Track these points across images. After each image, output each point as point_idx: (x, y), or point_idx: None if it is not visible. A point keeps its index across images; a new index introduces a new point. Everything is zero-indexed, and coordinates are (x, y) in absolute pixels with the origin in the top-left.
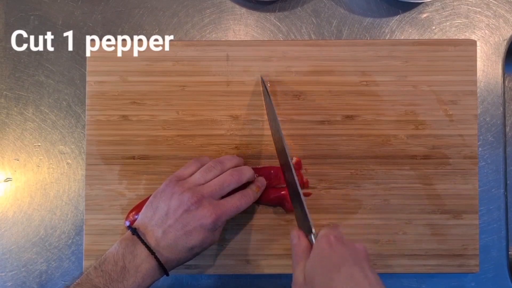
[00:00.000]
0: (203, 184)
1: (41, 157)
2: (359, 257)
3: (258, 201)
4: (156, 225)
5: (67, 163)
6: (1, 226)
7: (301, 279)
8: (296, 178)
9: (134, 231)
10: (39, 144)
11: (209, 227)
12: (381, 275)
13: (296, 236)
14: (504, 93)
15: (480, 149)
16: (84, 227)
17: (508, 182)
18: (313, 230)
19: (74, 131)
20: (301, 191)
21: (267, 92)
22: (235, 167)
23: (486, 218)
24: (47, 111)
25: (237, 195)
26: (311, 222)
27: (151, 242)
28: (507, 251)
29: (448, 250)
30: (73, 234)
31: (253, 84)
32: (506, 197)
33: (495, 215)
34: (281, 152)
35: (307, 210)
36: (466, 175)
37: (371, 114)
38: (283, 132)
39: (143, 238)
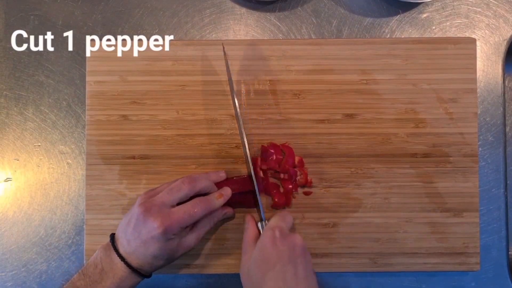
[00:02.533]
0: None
1: (41, 157)
2: (295, 254)
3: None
4: (123, 233)
5: (67, 163)
6: (1, 226)
7: (246, 270)
8: (249, 159)
9: (111, 238)
10: (39, 144)
11: (160, 238)
12: (382, 274)
13: (247, 222)
14: (504, 93)
15: (480, 149)
16: (84, 227)
17: (508, 182)
18: (263, 218)
19: (74, 131)
20: (253, 174)
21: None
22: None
23: (486, 218)
24: (47, 111)
25: (192, 202)
26: (262, 210)
27: (121, 248)
28: (507, 251)
29: (449, 248)
30: (73, 234)
31: (253, 84)
32: (506, 197)
33: (495, 215)
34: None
35: (259, 197)
36: (466, 173)
37: (371, 113)
38: (284, 132)
39: (115, 245)
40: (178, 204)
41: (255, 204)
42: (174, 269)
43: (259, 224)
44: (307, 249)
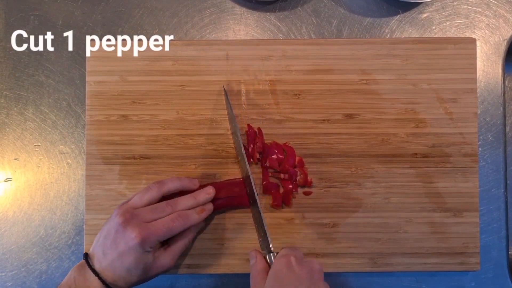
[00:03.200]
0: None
1: (41, 157)
2: (314, 278)
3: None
4: (99, 247)
5: (67, 163)
6: (1, 226)
7: None
8: (257, 197)
9: (84, 256)
10: (39, 144)
11: (137, 249)
12: (382, 274)
13: (254, 256)
14: (504, 93)
15: (480, 149)
16: (84, 227)
17: (508, 182)
18: (272, 250)
19: (74, 131)
20: (261, 209)
21: (229, 103)
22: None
23: (486, 218)
24: (47, 111)
25: (171, 215)
26: (270, 242)
27: (96, 264)
28: (507, 251)
29: (449, 248)
30: (73, 234)
31: (253, 84)
32: (506, 197)
33: (495, 215)
34: (243, 168)
35: (266, 229)
36: (466, 173)
37: (371, 113)
38: (283, 132)
39: (89, 262)
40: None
41: (252, 205)
42: (174, 270)
43: (267, 257)
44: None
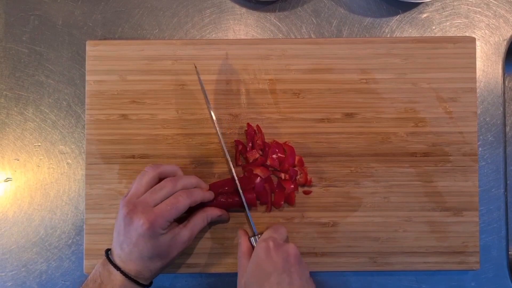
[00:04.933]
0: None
1: (41, 157)
2: (289, 263)
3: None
4: (117, 243)
5: (67, 163)
6: (1, 226)
7: (242, 284)
8: (236, 179)
9: (106, 252)
10: (39, 144)
11: (149, 234)
12: (382, 272)
13: (240, 237)
14: (504, 93)
15: (480, 149)
16: (84, 226)
17: (508, 182)
18: (256, 233)
19: (74, 131)
20: (243, 195)
21: (201, 82)
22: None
23: (486, 218)
24: (47, 111)
25: (175, 194)
26: (253, 225)
27: (116, 259)
28: (507, 251)
29: (449, 248)
30: (73, 234)
31: (253, 83)
32: (506, 197)
33: (495, 215)
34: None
35: (249, 214)
36: (466, 172)
37: (370, 112)
38: (283, 131)
39: (110, 257)
40: None
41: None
42: (174, 269)
43: (252, 239)
44: (305, 246)
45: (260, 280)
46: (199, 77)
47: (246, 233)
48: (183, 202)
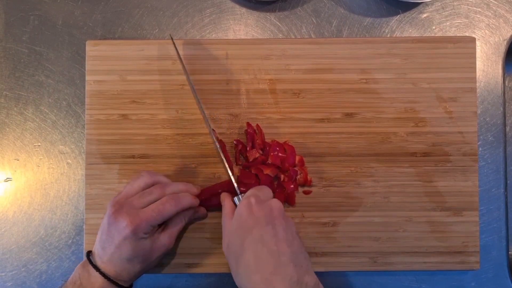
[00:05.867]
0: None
1: (41, 157)
2: (273, 216)
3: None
4: (98, 243)
5: (67, 163)
6: (1, 226)
7: (226, 244)
8: (216, 141)
9: (87, 253)
10: (39, 144)
11: (130, 236)
12: (382, 273)
13: (223, 199)
14: (504, 93)
15: (480, 149)
16: (84, 226)
17: (508, 182)
18: (238, 192)
19: (74, 131)
20: (224, 156)
21: (179, 55)
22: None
23: (486, 218)
24: (47, 111)
25: (161, 200)
26: (236, 185)
27: (97, 260)
28: (507, 251)
29: (449, 247)
30: (73, 234)
31: (253, 83)
32: (506, 197)
33: (495, 215)
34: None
35: (230, 174)
36: (466, 172)
37: (370, 112)
38: (283, 131)
39: (90, 258)
40: None
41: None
42: (174, 269)
43: (236, 199)
44: (305, 246)
45: (242, 237)
46: (177, 51)
47: (229, 194)
48: (169, 208)
